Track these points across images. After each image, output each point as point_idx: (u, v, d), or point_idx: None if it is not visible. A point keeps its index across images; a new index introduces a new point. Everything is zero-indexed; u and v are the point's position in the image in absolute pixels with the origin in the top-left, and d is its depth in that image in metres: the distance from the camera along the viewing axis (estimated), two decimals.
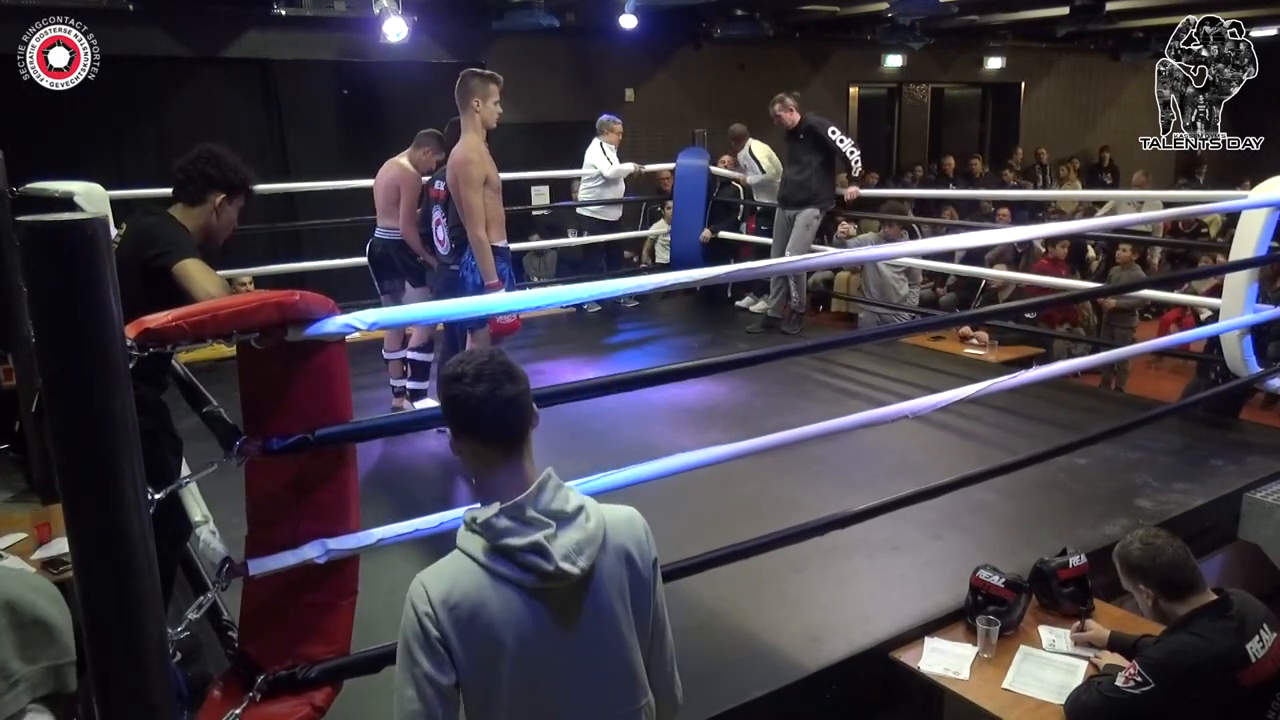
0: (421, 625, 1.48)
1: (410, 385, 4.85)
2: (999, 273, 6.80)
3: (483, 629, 1.47)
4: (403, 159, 4.96)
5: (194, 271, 2.45)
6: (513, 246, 4.46)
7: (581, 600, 1.53)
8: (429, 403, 4.77)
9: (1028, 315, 6.51)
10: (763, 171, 7.38)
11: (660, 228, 8.41)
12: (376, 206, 5.03)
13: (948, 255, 6.91)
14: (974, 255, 7.15)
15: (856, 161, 6.25)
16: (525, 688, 1.51)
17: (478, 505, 1.55)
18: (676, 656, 1.74)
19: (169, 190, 2.77)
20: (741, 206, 7.76)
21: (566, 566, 1.48)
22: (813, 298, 7.08)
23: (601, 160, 7.28)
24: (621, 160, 7.35)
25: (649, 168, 7.64)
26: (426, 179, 4.82)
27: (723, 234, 7.44)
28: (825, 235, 7.37)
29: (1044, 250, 7.15)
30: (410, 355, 4.84)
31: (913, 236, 7.08)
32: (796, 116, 6.24)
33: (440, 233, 4.41)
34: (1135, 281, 6.88)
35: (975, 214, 9.31)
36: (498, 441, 1.53)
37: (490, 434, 1.53)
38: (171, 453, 2.65)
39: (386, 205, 4.94)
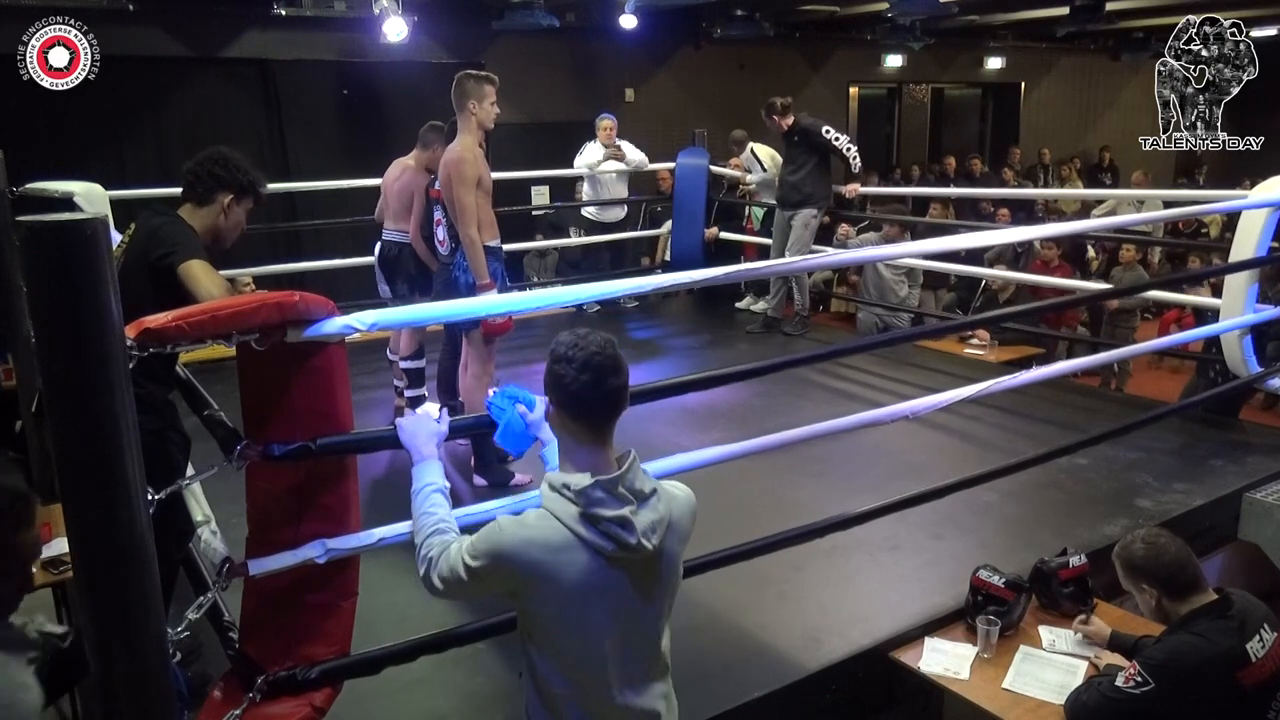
0: (492, 560, 1.63)
1: (408, 394, 4.85)
2: (999, 273, 6.79)
3: (557, 580, 1.61)
4: (411, 161, 4.90)
5: (198, 272, 2.45)
6: (509, 247, 4.45)
7: (647, 574, 1.68)
8: (431, 407, 4.77)
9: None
10: (764, 170, 7.38)
11: (669, 227, 8.39)
12: (390, 208, 4.93)
13: (948, 255, 6.90)
14: (974, 256, 7.13)
15: (855, 159, 6.24)
16: (584, 638, 1.66)
17: (555, 471, 1.71)
18: (672, 654, 1.83)
19: (169, 190, 2.78)
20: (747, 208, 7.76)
21: (645, 542, 1.62)
22: (813, 298, 7.05)
23: (580, 159, 7.28)
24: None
25: (648, 167, 7.60)
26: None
27: (726, 235, 7.44)
28: (825, 236, 7.35)
29: (1038, 249, 7.13)
30: (403, 364, 4.82)
31: (913, 238, 7.08)
32: (789, 120, 6.25)
33: (440, 233, 4.41)
34: (1139, 283, 6.86)
35: (974, 214, 9.30)
36: (591, 424, 1.67)
37: (586, 417, 1.67)
38: (179, 450, 2.65)
39: (401, 209, 4.86)
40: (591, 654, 1.66)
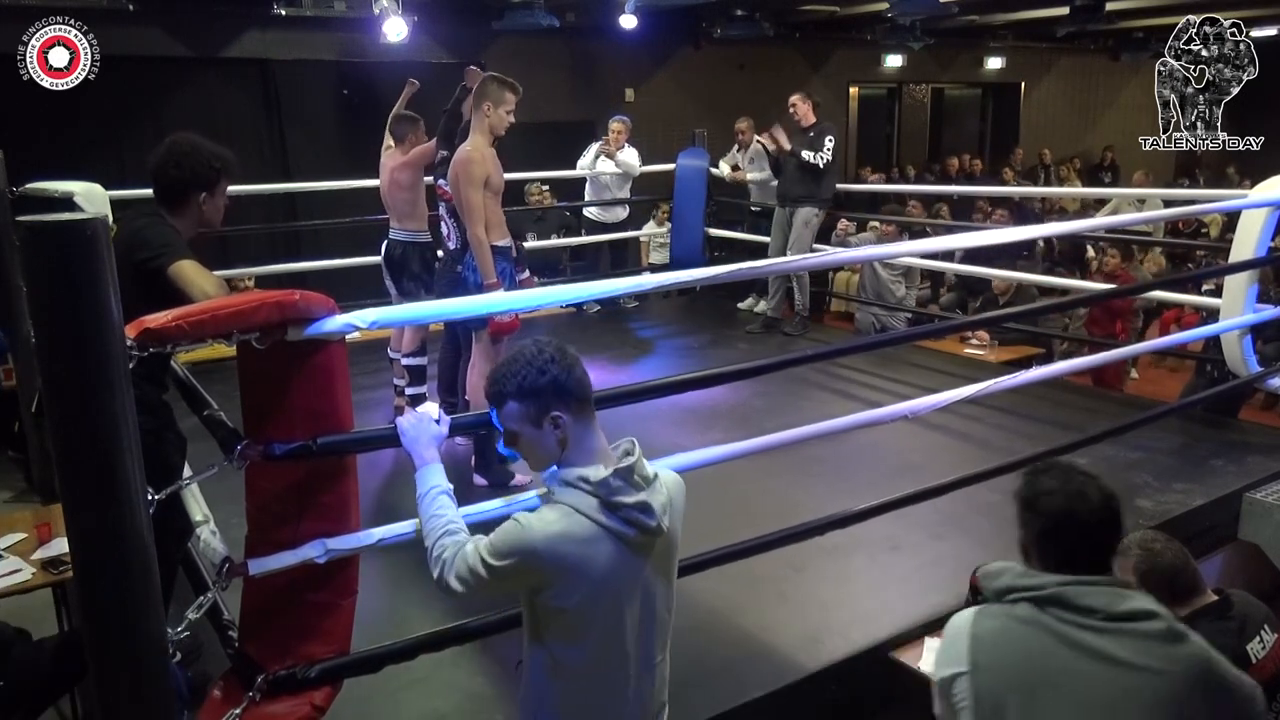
0: (520, 558, 1.64)
1: (409, 391, 4.85)
2: (999, 272, 6.77)
3: (586, 572, 1.66)
4: (392, 160, 4.89)
5: (189, 272, 2.44)
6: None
7: (660, 555, 1.76)
8: (430, 407, 4.77)
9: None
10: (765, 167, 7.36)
11: (650, 229, 8.38)
12: (388, 208, 4.95)
13: (948, 255, 6.90)
14: (973, 255, 7.12)
15: (811, 158, 6.21)
16: (609, 624, 1.71)
17: (562, 471, 1.72)
18: (672, 654, 1.86)
19: None
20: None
21: (664, 523, 1.70)
22: (813, 297, 7.01)
23: (583, 162, 7.29)
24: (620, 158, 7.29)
25: (637, 173, 7.53)
26: (429, 178, 4.80)
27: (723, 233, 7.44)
28: (825, 236, 7.34)
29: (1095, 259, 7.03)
30: (405, 361, 4.83)
31: (912, 238, 7.06)
32: (813, 118, 6.33)
33: (444, 229, 4.43)
34: (1145, 282, 6.85)
35: (971, 215, 9.30)
36: (586, 403, 1.74)
37: (581, 401, 1.73)
38: (176, 451, 2.64)
39: (400, 206, 4.88)
40: (615, 637, 1.72)
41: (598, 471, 1.67)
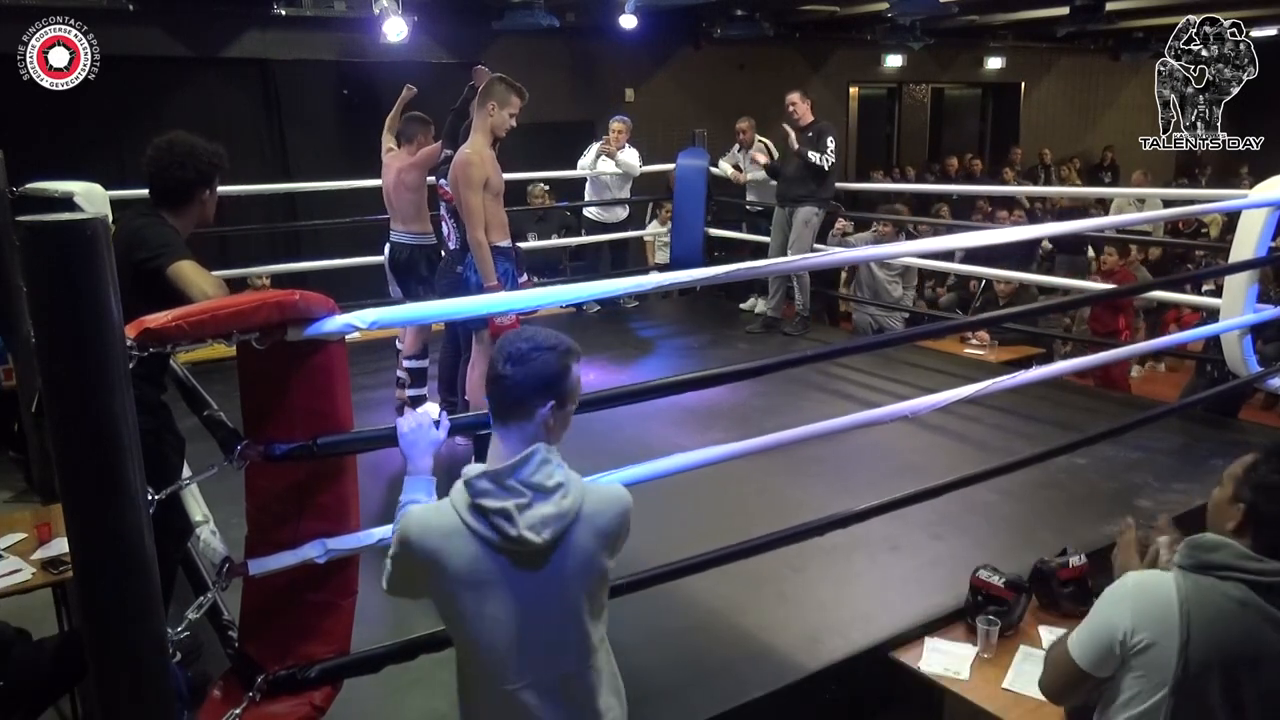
0: (400, 547, 1.70)
1: (410, 392, 4.85)
2: (1001, 272, 6.76)
3: (444, 566, 1.65)
4: (397, 161, 4.89)
5: (189, 273, 2.45)
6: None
7: (543, 564, 1.68)
8: (431, 408, 4.77)
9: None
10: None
11: (654, 228, 8.37)
12: (392, 209, 4.94)
13: (948, 255, 6.89)
14: (973, 255, 7.11)
15: (817, 159, 6.21)
16: (480, 629, 1.67)
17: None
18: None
19: None
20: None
21: (529, 535, 1.63)
22: (812, 296, 6.98)
23: (584, 161, 7.30)
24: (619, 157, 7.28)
25: (637, 173, 7.53)
26: (431, 179, 4.80)
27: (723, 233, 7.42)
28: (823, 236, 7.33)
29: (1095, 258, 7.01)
30: (406, 364, 4.82)
31: (909, 238, 7.06)
32: (811, 116, 6.34)
33: (445, 229, 4.43)
34: (1146, 282, 6.84)
35: (970, 215, 9.29)
36: (501, 412, 1.74)
37: (498, 404, 1.74)
38: (174, 452, 2.65)
39: (404, 207, 4.87)
40: (488, 645, 1.68)
41: (473, 469, 1.68)
